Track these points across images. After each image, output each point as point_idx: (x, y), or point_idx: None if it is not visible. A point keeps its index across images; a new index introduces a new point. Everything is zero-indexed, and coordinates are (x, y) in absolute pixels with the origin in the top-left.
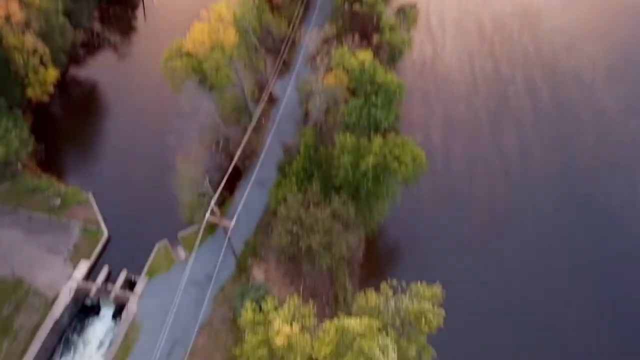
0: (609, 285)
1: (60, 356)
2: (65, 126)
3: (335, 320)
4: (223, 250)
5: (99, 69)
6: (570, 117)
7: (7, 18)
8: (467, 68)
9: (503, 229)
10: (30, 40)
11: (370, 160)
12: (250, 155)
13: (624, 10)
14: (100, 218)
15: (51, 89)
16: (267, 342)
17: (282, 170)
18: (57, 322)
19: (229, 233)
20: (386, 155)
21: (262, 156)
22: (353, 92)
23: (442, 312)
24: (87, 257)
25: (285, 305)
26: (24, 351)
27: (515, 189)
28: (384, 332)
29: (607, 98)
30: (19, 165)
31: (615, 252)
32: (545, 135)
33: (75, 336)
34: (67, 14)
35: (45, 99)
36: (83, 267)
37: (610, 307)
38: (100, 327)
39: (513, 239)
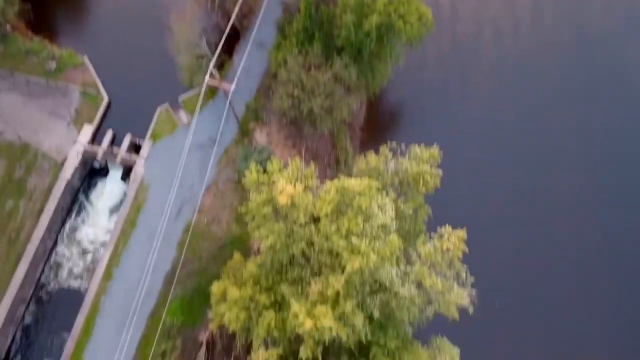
0: None
1: (75, 215)
2: None
3: (336, 181)
4: (225, 113)
5: None
6: None
7: None
8: None
9: (508, 93)
10: None
11: (374, 19)
12: (247, 14)
13: None
14: (98, 82)
15: None
16: (271, 201)
17: (281, 30)
18: (68, 184)
19: (229, 96)
20: (391, 14)
21: (260, 15)
22: None
23: (440, 172)
24: (90, 121)
25: (289, 167)
26: (40, 211)
27: (524, 52)
28: (383, 192)
29: None
30: (8, 27)
31: None
32: None
33: (87, 197)
34: None
35: None
36: (87, 131)
37: None
38: (110, 189)
39: (519, 103)
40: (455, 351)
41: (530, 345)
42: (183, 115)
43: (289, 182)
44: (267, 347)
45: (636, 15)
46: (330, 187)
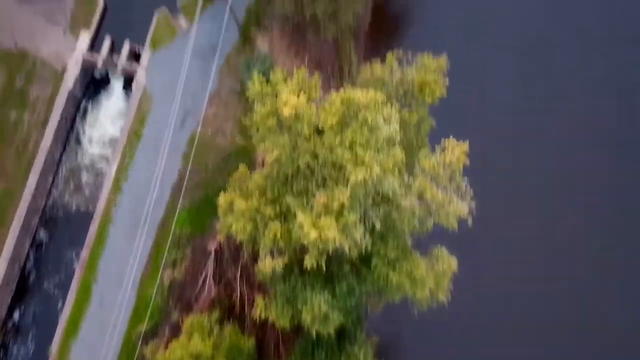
0: None
1: (80, 126)
2: None
3: (341, 92)
4: (225, 19)
5: None
6: None
7: None
8: None
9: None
10: None
11: None
12: None
13: None
14: None
15: None
16: (275, 113)
17: None
18: (71, 93)
19: (229, 0)
20: None
21: None
22: None
23: (446, 81)
24: (87, 27)
25: (293, 77)
26: (45, 122)
27: None
28: (388, 104)
29: None
30: None
31: None
32: None
33: (90, 106)
34: None
35: None
36: (85, 37)
37: None
38: (113, 98)
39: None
40: (453, 260)
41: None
42: (182, 21)
43: (292, 93)
44: (273, 257)
45: None
46: (335, 98)
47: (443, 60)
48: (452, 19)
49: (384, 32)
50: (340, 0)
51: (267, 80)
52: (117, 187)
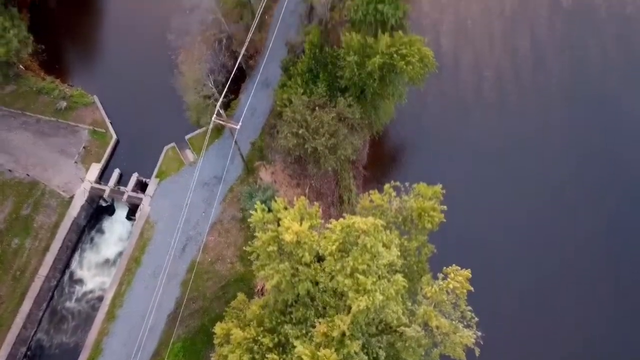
0: None
1: (81, 253)
2: (62, 24)
3: (341, 219)
4: (231, 152)
5: None
6: (587, 25)
7: None
8: None
9: (510, 134)
10: None
11: (377, 60)
12: (253, 54)
13: None
14: (107, 121)
15: None
16: (276, 239)
17: (286, 70)
18: (75, 221)
19: (235, 135)
20: (393, 54)
21: (266, 56)
22: None
23: (444, 208)
24: (98, 159)
25: (294, 205)
26: (46, 249)
27: (525, 96)
28: (387, 230)
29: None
30: (21, 67)
31: None
32: (560, 42)
33: (93, 234)
34: None
35: None
36: (95, 169)
37: None
38: (116, 227)
39: (525, 149)
40: None
41: None
42: (189, 154)
43: (294, 220)
44: None
45: None
46: (336, 225)
47: (439, 189)
48: (445, 151)
49: (381, 163)
50: (340, 136)
51: (269, 209)
52: (111, 314)
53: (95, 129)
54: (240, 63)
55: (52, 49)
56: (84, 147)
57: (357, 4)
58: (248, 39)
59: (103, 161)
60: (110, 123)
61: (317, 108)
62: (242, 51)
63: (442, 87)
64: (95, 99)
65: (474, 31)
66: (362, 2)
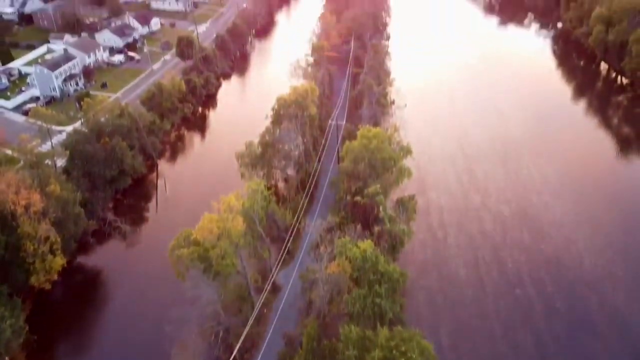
0: None
1: None
2: (62, 316)
3: None
4: None
5: (105, 257)
6: (581, 318)
7: (27, 207)
8: (471, 266)
9: None
10: (44, 228)
11: (376, 354)
12: (250, 348)
13: (612, 206)
14: None
15: (55, 276)
16: None
17: None
18: None
19: None
20: (392, 349)
21: (262, 349)
22: (356, 282)
23: None
24: None
25: None
26: None
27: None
28: None
29: (620, 302)
30: (7, 358)
31: None
32: (560, 335)
33: None
34: (84, 203)
35: (48, 286)
36: None
37: None
38: None
39: None
40: None
41: None
42: None
43: None
44: None
45: None
46: None
47: None
48: None
49: None
50: None
51: None
52: None
53: None
54: (235, 356)
55: (44, 340)
56: None
57: (355, 297)
58: (245, 332)
59: None
60: None
61: None
62: (238, 345)
63: None
64: None
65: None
66: (359, 296)
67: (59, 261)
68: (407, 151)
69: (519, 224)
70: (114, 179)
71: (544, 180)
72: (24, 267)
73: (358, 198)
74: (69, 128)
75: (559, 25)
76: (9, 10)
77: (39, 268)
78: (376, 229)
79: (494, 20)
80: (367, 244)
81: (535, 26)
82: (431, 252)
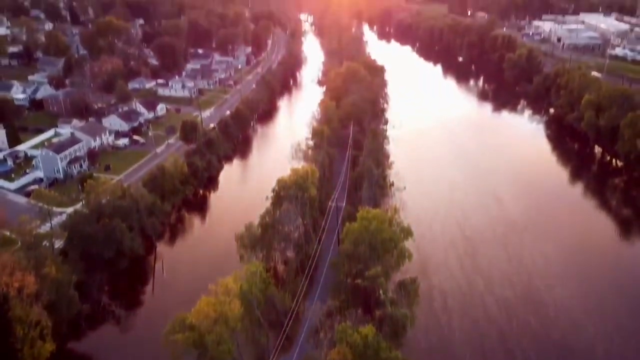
0: None
1: None
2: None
3: None
4: None
5: (97, 343)
6: None
7: (20, 289)
8: (478, 355)
9: None
10: (36, 312)
11: None
12: None
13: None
14: None
15: None
16: None
17: None
18: None
19: None
20: None
21: None
22: None
23: None
24: None
25: None
26: None
27: None
28: None
29: None
30: None
31: None
32: None
33: None
34: (79, 285)
35: None
36: None
37: None
38: None
39: None
40: None
41: None
42: None
43: None
44: None
45: None
46: None
47: None
48: None
49: None
50: None
51: None
52: None
53: None
54: None
55: None
56: None
57: None
58: None
59: None
60: None
61: None
62: None
63: None
64: None
65: None
66: None
67: (48, 347)
68: (407, 232)
69: (524, 309)
70: (111, 260)
71: (546, 263)
72: (11, 354)
73: (359, 281)
74: (70, 209)
75: (551, 110)
76: (21, 96)
77: (26, 354)
78: (377, 312)
79: (488, 106)
80: (368, 329)
81: (528, 112)
82: (436, 338)
